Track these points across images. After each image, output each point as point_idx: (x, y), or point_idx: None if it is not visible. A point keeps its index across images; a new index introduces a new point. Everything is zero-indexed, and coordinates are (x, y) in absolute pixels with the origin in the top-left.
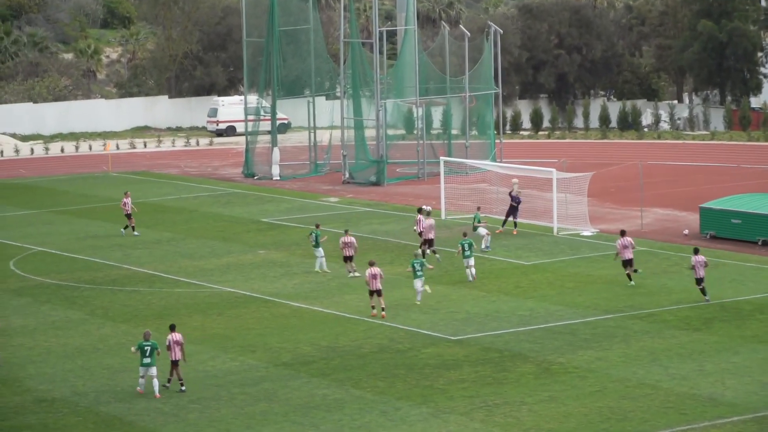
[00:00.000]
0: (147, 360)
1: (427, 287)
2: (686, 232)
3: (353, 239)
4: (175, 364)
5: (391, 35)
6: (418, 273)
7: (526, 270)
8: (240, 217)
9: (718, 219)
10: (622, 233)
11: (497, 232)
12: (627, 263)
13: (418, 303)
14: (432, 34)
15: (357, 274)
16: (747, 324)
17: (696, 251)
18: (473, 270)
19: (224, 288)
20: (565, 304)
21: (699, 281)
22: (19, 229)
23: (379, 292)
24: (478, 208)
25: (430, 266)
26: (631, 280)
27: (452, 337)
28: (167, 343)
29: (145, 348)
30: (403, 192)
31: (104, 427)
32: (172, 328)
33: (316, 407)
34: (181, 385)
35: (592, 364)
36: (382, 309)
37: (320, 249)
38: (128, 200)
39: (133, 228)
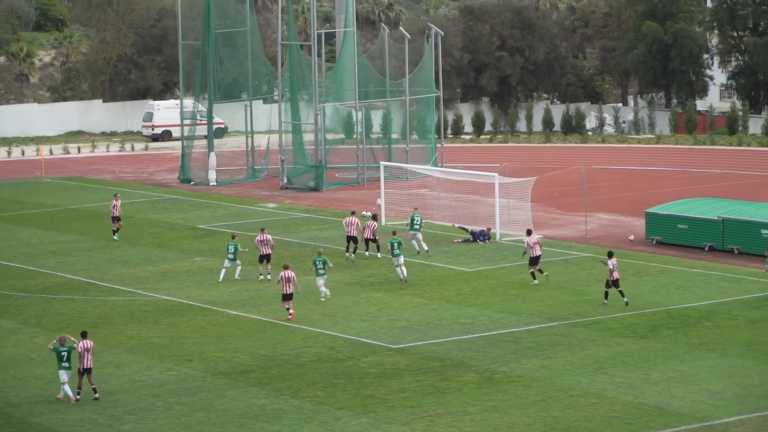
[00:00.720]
0: (66, 364)
1: (327, 290)
2: (632, 237)
3: (269, 237)
4: (87, 371)
5: (330, 37)
6: (320, 271)
7: (468, 277)
8: (176, 223)
9: (665, 224)
10: (528, 232)
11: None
12: (534, 261)
13: (323, 300)
14: (371, 37)
15: (268, 277)
16: (694, 331)
17: (610, 254)
18: (404, 269)
19: (160, 296)
20: (508, 311)
21: (616, 283)
22: None
23: (290, 296)
24: (416, 209)
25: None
26: (534, 278)
27: (393, 346)
28: (79, 351)
29: (62, 353)
30: (342, 197)
31: None
32: (84, 335)
33: (254, 417)
34: (85, 392)
35: (536, 372)
36: (287, 309)
37: (238, 260)
38: (118, 202)
39: (115, 231)
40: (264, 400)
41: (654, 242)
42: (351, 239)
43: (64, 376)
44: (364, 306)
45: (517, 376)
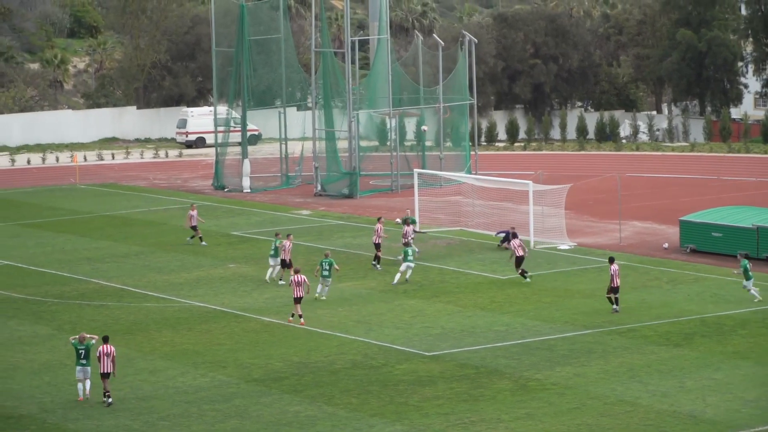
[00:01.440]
0: (83, 361)
1: (324, 293)
2: (666, 245)
3: (288, 243)
4: (103, 376)
5: (364, 45)
6: (324, 273)
7: (502, 284)
8: (210, 230)
9: (699, 232)
10: (514, 235)
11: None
12: (519, 261)
13: (321, 298)
14: (405, 44)
15: (282, 281)
16: (728, 339)
17: (612, 260)
18: (401, 276)
19: (194, 302)
20: (542, 319)
21: (615, 290)
22: None
23: (300, 299)
24: (408, 210)
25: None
26: (525, 278)
27: (427, 353)
28: (97, 355)
29: (80, 350)
30: (376, 205)
31: None
32: (105, 340)
33: (288, 424)
34: (107, 398)
35: (570, 380)
36: (300, 315)
37: (277, 258)
38: (194, 213)
39: (201, 238)
40: (298, 407)
41: (688, 250)
42: (375, 246)
43: (79, 374)
44: (399, 313)
45: (552, 383)
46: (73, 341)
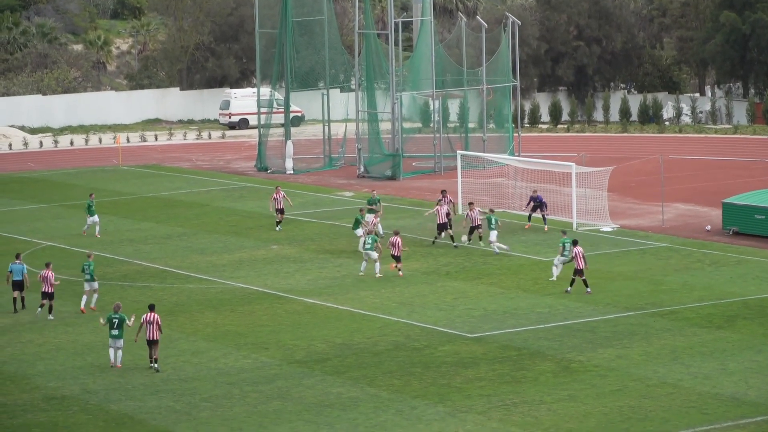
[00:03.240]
0: (115, 332)
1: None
2: (708, 227)
3: (374, 219)
4: (150, 343)
5: (407, 26)
6: (367, 247)
7: (544, 266)
8: (253, 211)
9: (742, 214)
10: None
11: (526, 227)
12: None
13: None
14: (449, 25)
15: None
16: None
17: (575, 243)
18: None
19: (236, 284)
20: (584, 301)
21: (580, 272)
22: (28, 224)
23: (398, 258)
24: (373, 191)
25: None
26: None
27: (469, 335)
28: (141, 322)
29: (113, 320)
30: (419, 186)
31: (114, 425)
32: (151, 308)
33: (330, 406)
34: (155, 363)
35: (612, 362)
36: (399, 269)
37: (359, 230)
38: (278, 196)
39: (278, 223)
40: (340, 389)
41: (731, 232)
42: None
43: (111, 342)
44: (441, 295)
45: (594, 365)
46: (106, 318)
